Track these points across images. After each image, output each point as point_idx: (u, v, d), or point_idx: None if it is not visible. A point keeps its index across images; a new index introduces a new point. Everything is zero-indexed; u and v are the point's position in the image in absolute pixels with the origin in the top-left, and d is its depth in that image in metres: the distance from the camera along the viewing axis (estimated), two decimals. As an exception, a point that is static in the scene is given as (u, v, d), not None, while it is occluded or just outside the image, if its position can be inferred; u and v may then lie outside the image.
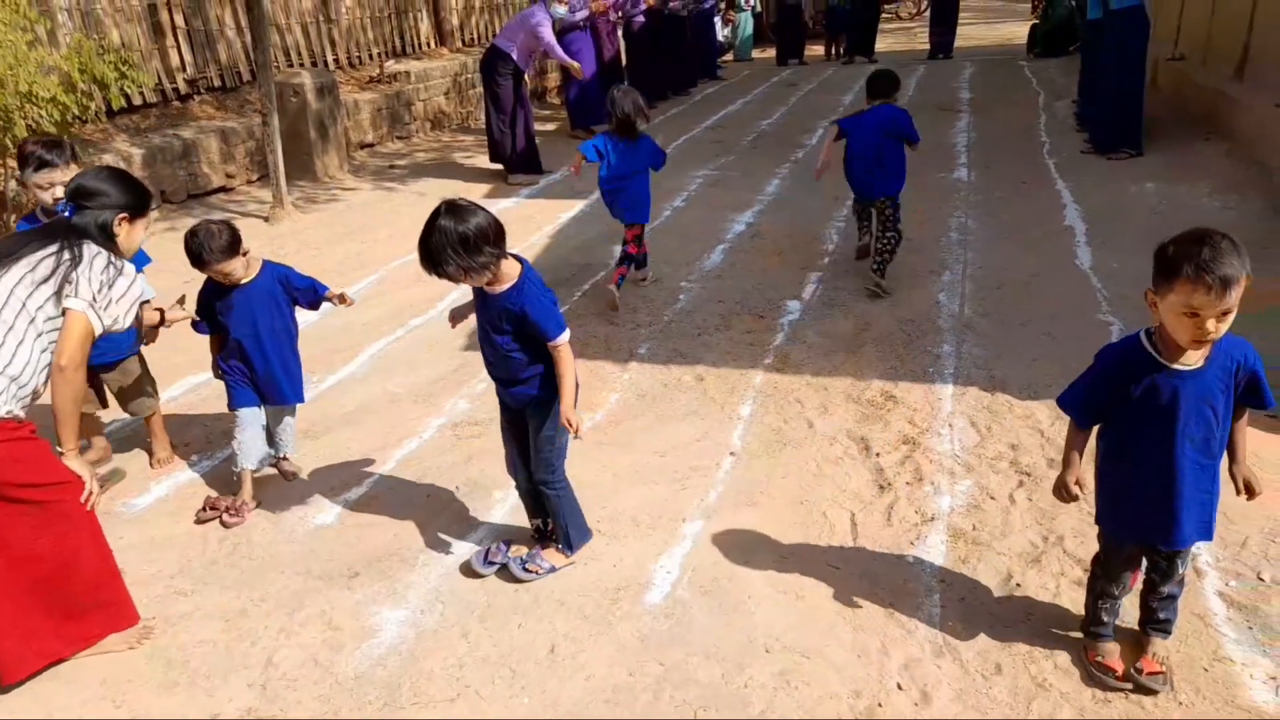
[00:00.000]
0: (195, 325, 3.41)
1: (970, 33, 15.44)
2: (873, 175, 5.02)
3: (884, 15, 16.89)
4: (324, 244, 6.54)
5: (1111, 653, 2.40)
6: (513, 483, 3.03)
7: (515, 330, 2.62)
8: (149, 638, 2.69)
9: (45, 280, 2.42)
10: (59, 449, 2.50)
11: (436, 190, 7.78)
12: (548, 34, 7.86)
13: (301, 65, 9.18)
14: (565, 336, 2.63)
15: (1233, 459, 2.24)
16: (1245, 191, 6.18)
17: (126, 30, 7.49)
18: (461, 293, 2.86)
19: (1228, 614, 2.58)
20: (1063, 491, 2.30)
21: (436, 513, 3.28)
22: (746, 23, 16.40)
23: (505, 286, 2.59)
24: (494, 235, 2.49)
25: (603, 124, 10.23)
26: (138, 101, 7.44)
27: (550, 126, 10.61)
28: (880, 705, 2.34)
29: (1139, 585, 2.44)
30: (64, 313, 2.44)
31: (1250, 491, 2.24)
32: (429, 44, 11.39)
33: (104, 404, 3.61)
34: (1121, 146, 7.46)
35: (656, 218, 6.82)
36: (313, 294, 3.45)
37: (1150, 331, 2.17)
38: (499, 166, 8.26)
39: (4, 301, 2.36)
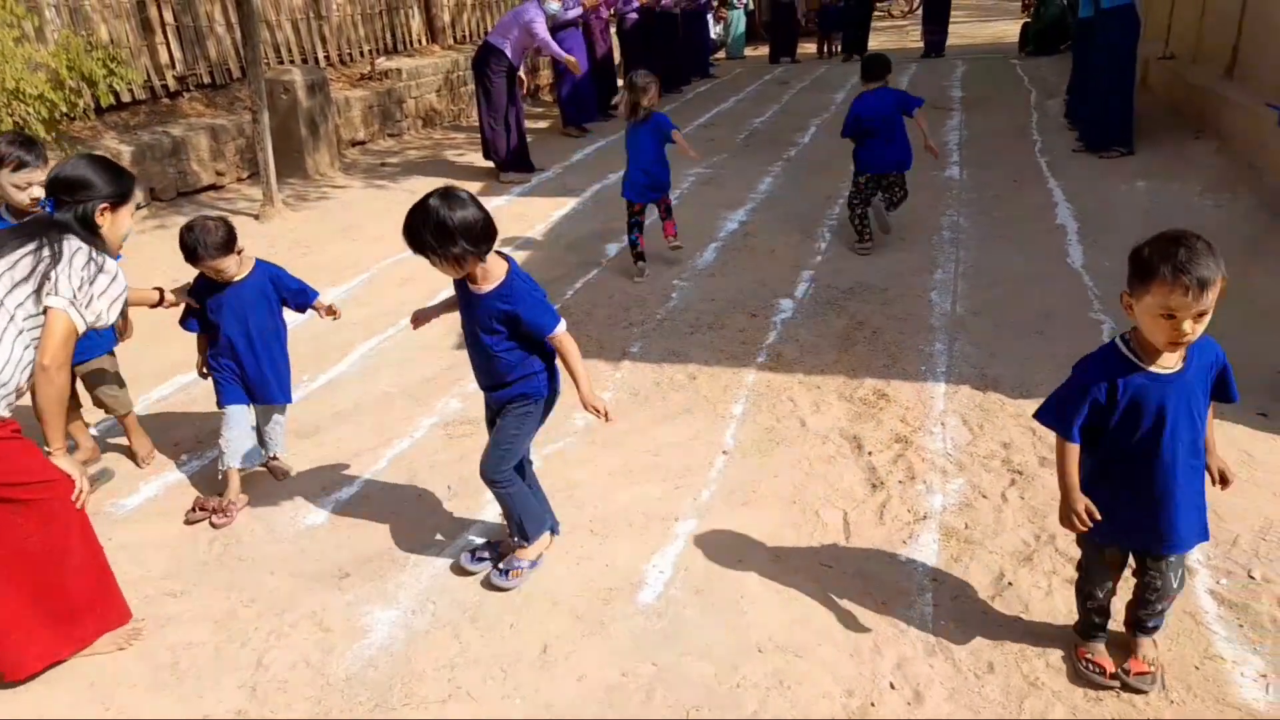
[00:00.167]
0: (183, 322, 3.38)
1: (962, 31, 15.46)
2: (888, 150, 5.56)
3: (875, 13, 16.89)
4: (315, 242, 6.51)
5: (1100, 651, 2.40)
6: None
7: (509, 330, 2.59)
8: (138, 639, 2.67)
9: (24, 279, 2.39)
10: (46, 449, 2.48)
11: (428, 188, 7.71)
12: (542, 30, 7.83)
13: (292, 62, 9.13)
14: (562, 327, 2.61)
15: (1207, 452, 2.26)
16: (1236, 190, 6.20)
17: (115, 26, 7.44)
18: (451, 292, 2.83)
19: (1219, 612, 2.58)
20: (1073, 520, 2.19)
21: (428, 512, 3.27)
22: (739, 20, 16.39)
23: (492, 286, 2.56)
24: (477, 232, 2.44)
25: (595, 121, 10.30)
26: (126, 99, 7.40)
27: (542, 124, 10.58)
28: (873, 705, 2.34)
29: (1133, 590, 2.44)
30: (45, 311, 2.41)
31: (1224, 481, 2.26)
32: (420, 41, 11.35)
33: (78, 403, 3.58)
34: (1112, 145, 7.48)
35: (649, 217, 6.81)
36: (302, 297, 3.44)
37: (1125, 337, 2.16)
38: (491, 164, 8.23)
39: None
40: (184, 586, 2.92)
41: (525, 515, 2.84)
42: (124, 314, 3.18)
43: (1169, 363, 2.12)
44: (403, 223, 2.47)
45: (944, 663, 2.46)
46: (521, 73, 8.30)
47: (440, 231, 2.40)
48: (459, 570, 2.92)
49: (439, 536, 3.13)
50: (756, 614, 2.68)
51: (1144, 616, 2.36)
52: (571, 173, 8.38)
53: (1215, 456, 2.27)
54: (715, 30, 15.78)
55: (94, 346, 3.41)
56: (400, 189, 7.94)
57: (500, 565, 2.86)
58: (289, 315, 3.51)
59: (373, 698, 2.44)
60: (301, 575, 2.95)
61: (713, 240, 6.21)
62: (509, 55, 7.81)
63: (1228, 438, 3.37)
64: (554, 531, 3.02)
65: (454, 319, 2.82)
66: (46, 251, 2.43)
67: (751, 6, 17.52)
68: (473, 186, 7.90)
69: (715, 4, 15.17)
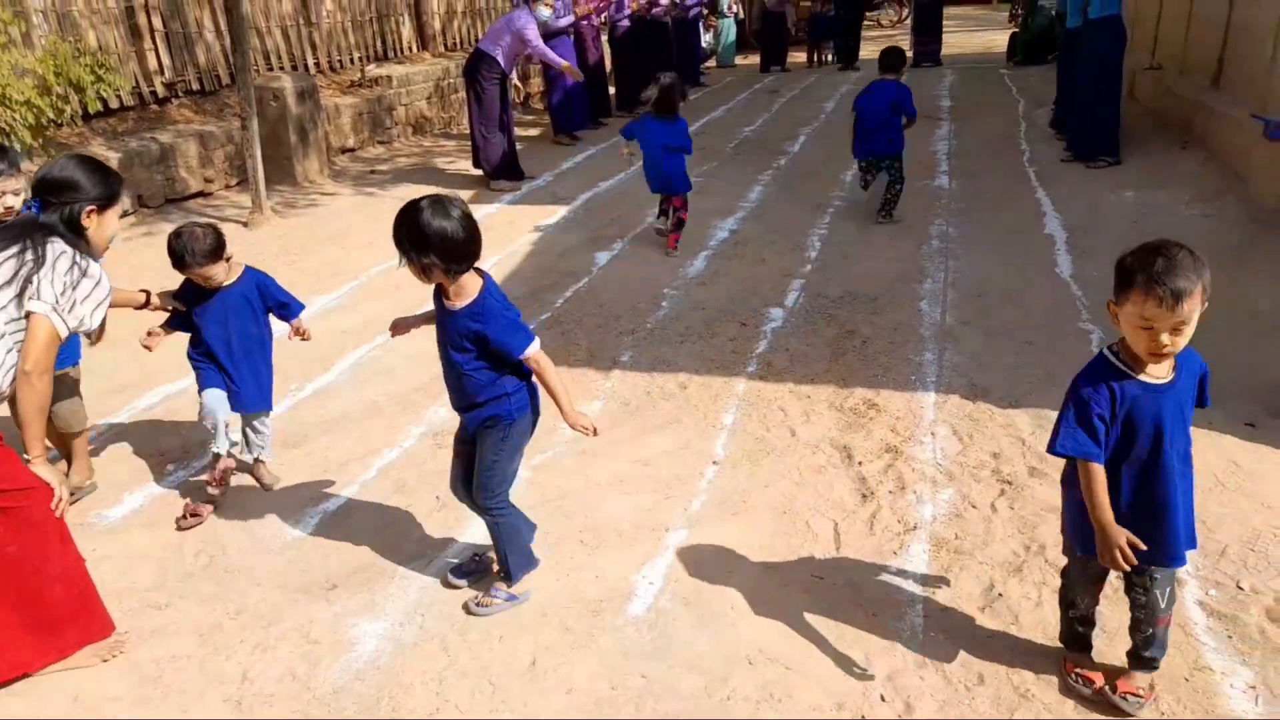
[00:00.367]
0: (166, 325, 3.35)
1: (950, 40, 15.53)
2: (877, 138, 6.33)
3: (865, 23, 16.97)
4: (303, 250, 6.48)
5: (1089, 663, 2.40)
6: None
7: (478, 349, 2.51)
8: (122, 651, 2.64)
9: (7, 283, 2.37)
10: (25, 456, 2.45)
11: (418, 195, 7.73)
12: (535, 37, 7.83)
13: (281, 69, 9.11)
14: (534, 347, 2.52)
15: None
16: (1222, 199, 6.25)
17: (104, 32, 7.40)
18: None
19: (1207, 623, 2.59)
20: (1117, 556, 2.07)
21: (416, 523, 3.25)
22: (729, 29, 16.45)
23: (464, 303, 2.50)
24: (453, 247, 2.38)
25: (585, 129, 10.31)
26: (114, 105, 7.35)
27: (533, 132, 10.59)
28: (864, 717, 2.33)
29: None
30: (27, 316, 2.39)
31: None
32: (411, 48, 11.34)
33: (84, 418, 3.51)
34: (1100, 155, 7.54)
35: (638, 224, 6.83)
36: (286, 310, 3.42)
37: (1114, 348, 2.15)
38: (480, 172, 8.22)
39: None
40: (169, 598, 2.89)
41: (512, 551, 2.75)
42: (139, 306, 3.14)
43: (1160, 373, 2.12)
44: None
45: (935, 675, 2.45)
46: (518, 81, 8.29)
47: (416, 236, 2.37)
48: (447, 584, 2.89)
49: (427, 548, 3.10)
50: (747, 626, 2.67)
51: (1139, 644, 2.31)
52: (562, 181, 8.37)
53: None
54: (705, 39, 15.83)
55: (61, 359, 3.34)
56: (390, 196, 7.91)
57: (480, 595, 2.80)
58: (276, 323, 3.50)
59: (360, 711, 2.41)
60: (288, 587, 2.93)
61: (703, 249, 6.21)
62: (501, 62, 7.81)
63: (1216, 447, 3.39)
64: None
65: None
66: (30, 255, 2.41)
67: (742, 15, 17.59)
68: (463, 194, 7.86)
69: (706, 12, 15.22)
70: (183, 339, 3.36)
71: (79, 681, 2.55)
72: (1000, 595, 2.74)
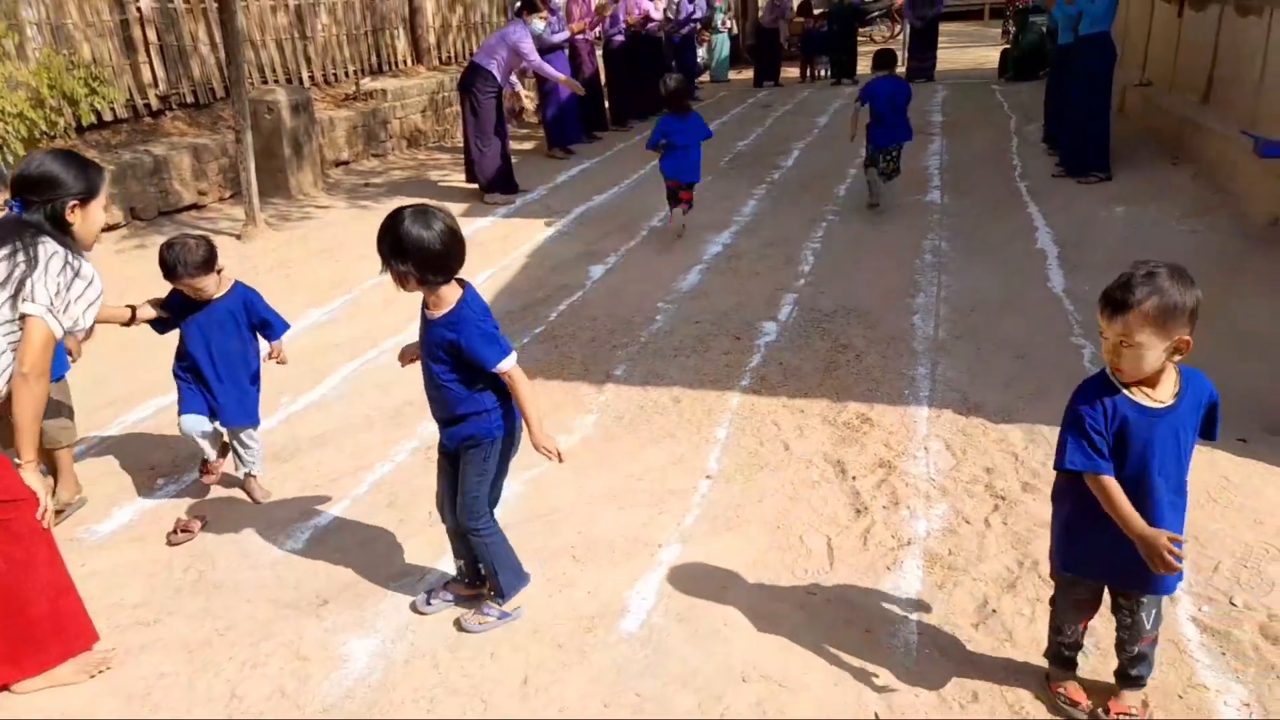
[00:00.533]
0: (154, 324, 3.31)
1: (943, 56, 15.62)
2: (890, 128, 7.01)
3: (858, 38, 17.07)
4: (297, 262, 6.47)
5: (1073, 684, 2.38)
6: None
7: (452, 360, 2.48)
8: (108, 668, 2.61)
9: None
10: (17, 460, 2.43)
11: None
12: (531, 51, 7.85)
13: (276, 82, 9.12)
14: (510, 361, 2.46)
15: None
16: (1212, 215, 6.28)
17: (98, 45, 7.41)
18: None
19: (1201, 640, 2.58)
20: (1165, 557, 1.98)
21: (408, 538, 3.23)
22: (722, 44, 16.52)
23: (442, 312, 2.48)
24: (429, 258, 2.36)
25: (579, 143, 10.34)
26: (108, 117, 7.35)
27: (527, 145, 10.61)
28: (857, 735, 2.31)
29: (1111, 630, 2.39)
30: (21, 318, 2.37)
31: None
32: (406, 62, 11.37)
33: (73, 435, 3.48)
34: (1091, 170, 7.58)
35: (633, 238, 6.84)
36: (268, 329, 3.40)
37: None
38: (475, 186, 8.23)
39: None
40: (157, 614, 2.87)
41: (500, 569, 2.71)
42: (125, 322, 3.13)
43: (1160, 396, 2.07)
44: None
45: (929, 692, 2.44)
46: (524, 91, 8.31)
47: (395, 243, 2.36)
48: (415, 610, 2.83)
49: (419, 564, 3.08)
50: (741, 642, 2.65)
51: (1125, 662, 2.31)
52: (556, 194, 8.39)
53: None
54: (700, 54, 15.90)
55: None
56: (384, 209, 7.87)
57: (471, 612, 2.76)
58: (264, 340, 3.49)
59: (349, 730, 2.39)
60: (278, 602, 2.90)
61: (697, 263, 6.22)
62: (497, 76, 7.83)
63: (1208, 462, 3.39)
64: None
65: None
66: (21, 257, 2.40)
67: (735, 31, 17.68)
68: (457, 207, 7.89)
69: (699, 28, 15.29)
70: (170, 347, 3.35)
71: (65, 699, 2.52)
72: (994, 611, 2.73)
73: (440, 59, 11.96)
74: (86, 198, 2.58)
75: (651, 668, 2.56)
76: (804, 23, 16.48)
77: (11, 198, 2.54)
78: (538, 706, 2.44)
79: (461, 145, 8.63)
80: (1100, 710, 2.30)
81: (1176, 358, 2.03)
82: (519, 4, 8.28)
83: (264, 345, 3.46)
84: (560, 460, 2.58)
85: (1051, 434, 3.11)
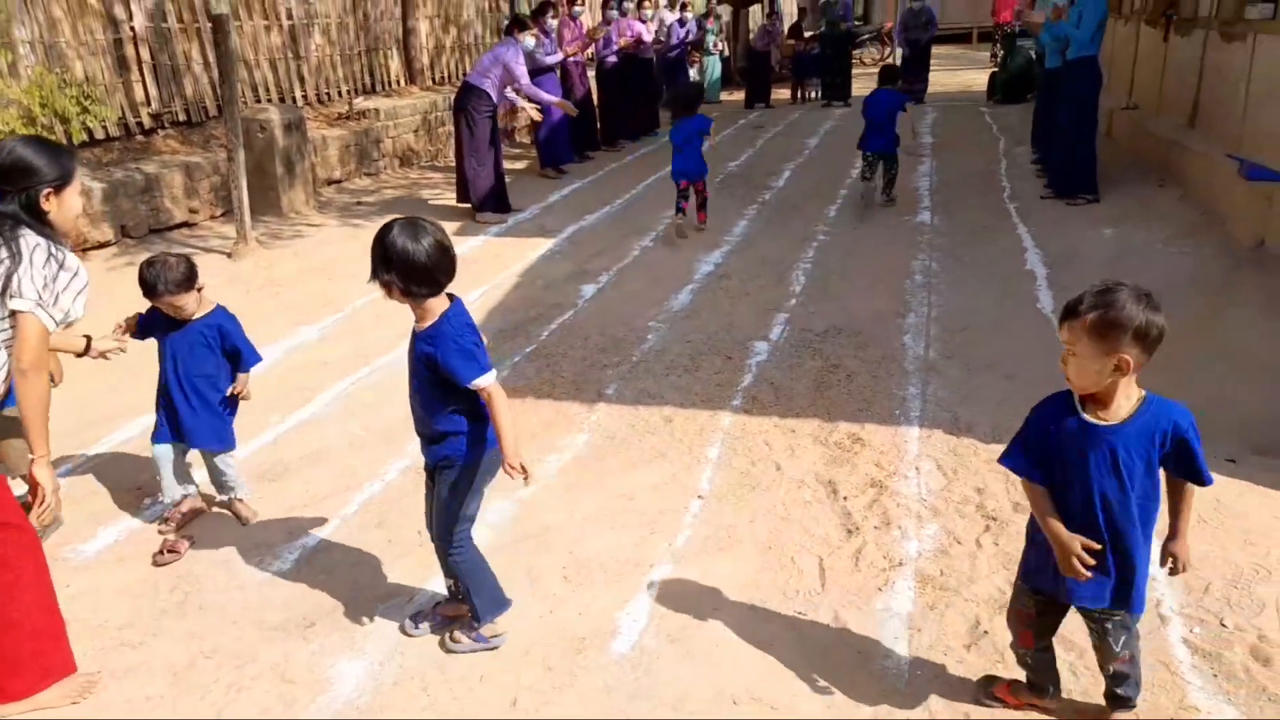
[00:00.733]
0: (136, 331, 3.28)
1: (932, 79, 15.79)
2: (880, 135, 7.79)
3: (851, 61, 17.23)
4: (288, 281, 6.46)
5: (1008, 685, 2.42)
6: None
7: (431, 374, 2.46)
8: (92, 692, 2.57)
9: None
10: (30, 455, 2.41)
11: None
12: (522, 74, 7.90)
13: (269, 101, 9.14)
14: (489, 379, 2.42)
15: (1170, 534, 2.14)
16: (1199, 237, 6.33)
17: (90, 64, 7.41)
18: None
19: (1192, 661, 2.58)
20: (1075, 564, 2.05)
21: (397, 559, 3.20)
22: (714, 66, 16.65)
23: (426, 325, 2.47)
24: (412, 270, 2.34)
25: (572, 163, 10.39)
26: (100, 135, 7.34)
27: (520, 165, 10.64)
28: (849, 758, 2.30)
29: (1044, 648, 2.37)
30: (12, 314, 2.36)
31: (1174, 569, 2.16)
32: (399, 82, 11.41)
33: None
34: (1079, 192, 7.65)
35: (624, 257, 6.85)
36: (237, 358, 3.35)
37: None
38: (467, 205, 8.24)
39: None
40: (142, 636, 2.83)
41: (476, 592, 2.66)
42: (80, 353, 3.10)
43: (1110, 415, 2.05)
44: None
45: (921, 714, 2.43)
46: (533, 109, 8.36)
47: (381, 252, 2.37)
48: (404, 632, 2.81)
49: (408, 584, 3.06)
50: (732, 664, 2.63)
51: (1106, 682, 2.31)
52: (549, 214, 8.41)
53: (1180, 542, 2.14)
54: (691, 75, 16.01)
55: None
56: (375, 228, 7.88)
57: (454, 630, 2.73)
58: (261, 351, 3.47)
59: (336, 754, 2.36)
60: (265, 624, 2.87)
61: (688, 282, 6.23)
62: (492, 95, 7.86)
63: (1198, 483, 3.39)
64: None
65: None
66: (4, 252, 2.38)
67: (727, 53, 17.82)
68: (449, 226, 7.85)
69: (691, 49, 15.41)
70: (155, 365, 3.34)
71: (47, 723, 2.48)
72: (986, 633, 2.72)
73: (434, 79, 12.01)
74: (61, 184, 2.55)
75: (642, 690, 2.54)
76: (795, 45, 16.64)
77: None
78: (527, 730, 2.42)
79: (454, 165, 8.64)
80: None
81: (1117, 375, 1.99)
82: (509, 23, 8.33)
83: (265, 353, 3.43)
84: (527, 483, 2.52)
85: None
